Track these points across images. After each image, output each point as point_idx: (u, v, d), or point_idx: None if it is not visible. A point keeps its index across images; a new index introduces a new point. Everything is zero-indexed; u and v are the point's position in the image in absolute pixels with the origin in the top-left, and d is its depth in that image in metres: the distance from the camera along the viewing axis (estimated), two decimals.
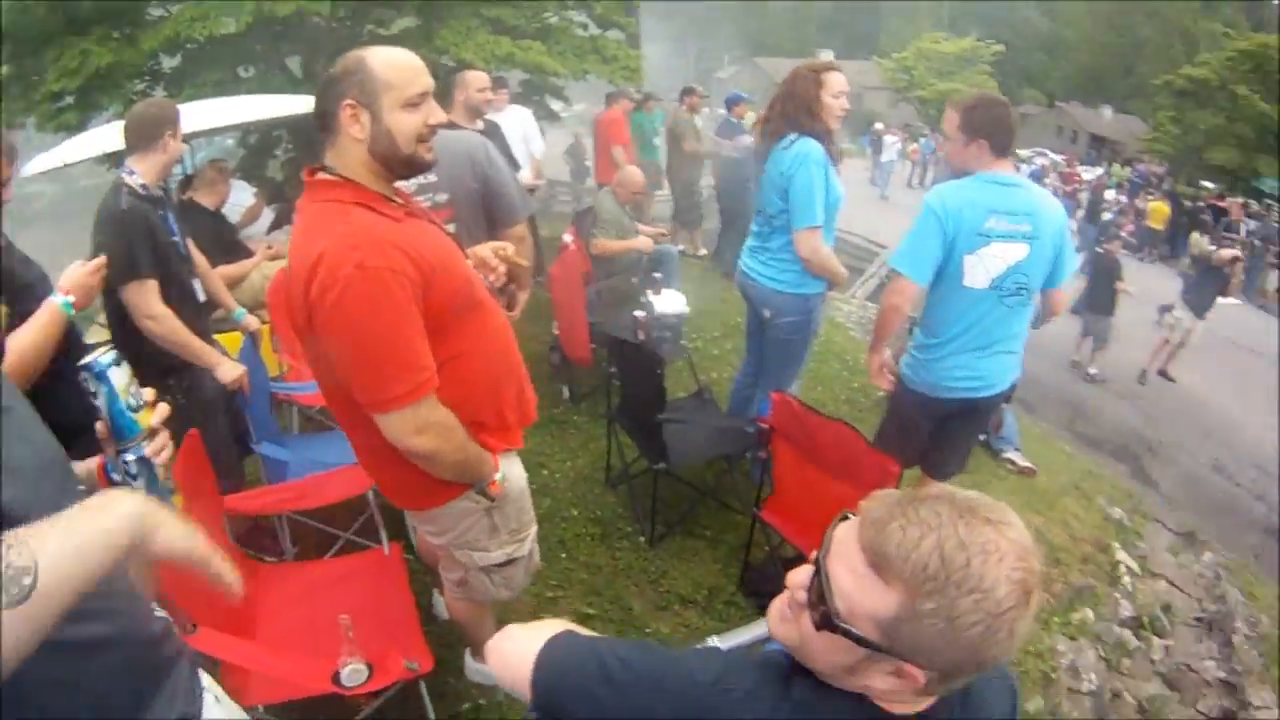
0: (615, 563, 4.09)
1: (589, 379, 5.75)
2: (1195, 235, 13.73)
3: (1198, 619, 6.01)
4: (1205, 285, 10.32)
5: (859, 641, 1.01)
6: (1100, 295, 9.86)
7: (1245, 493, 8.87)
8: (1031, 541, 0.99)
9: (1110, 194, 20.24)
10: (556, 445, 5.14)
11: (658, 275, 5.98)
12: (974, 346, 3.38)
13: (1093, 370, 9.80)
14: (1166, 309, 10.60)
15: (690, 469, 4.49)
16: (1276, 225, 21.85)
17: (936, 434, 3.69)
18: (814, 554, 1.09)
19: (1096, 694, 4.37)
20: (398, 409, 1.91)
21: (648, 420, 3.95)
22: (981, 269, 3.22)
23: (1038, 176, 23.41)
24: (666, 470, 4.01)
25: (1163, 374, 10.89)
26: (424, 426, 1.95)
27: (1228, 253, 10.52)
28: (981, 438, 5.90)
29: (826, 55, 39.45)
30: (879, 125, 28.48)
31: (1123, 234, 13.90)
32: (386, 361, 1.87)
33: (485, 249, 2.50)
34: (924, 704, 1.10)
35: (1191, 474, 8.98)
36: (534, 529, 2.48)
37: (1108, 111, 44.71)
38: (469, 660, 2.96)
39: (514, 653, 1.26)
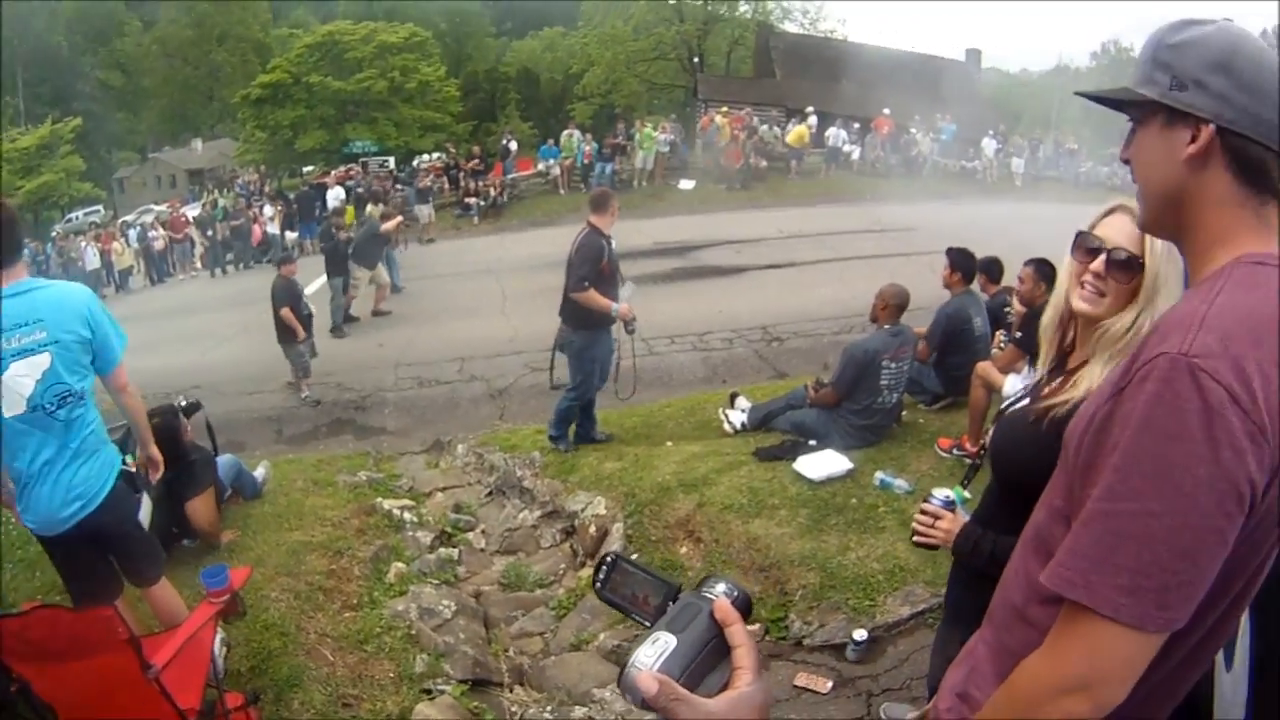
0: None
1: None
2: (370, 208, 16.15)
3: (489, 494, 6.80)
4: (373, 249, 13.29)
5: None
6: (278, 327, 10.07)
7: (458, 384, 10.36)
8: None
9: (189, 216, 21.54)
10: None
11: None
12: (58, 467, 3.23)
13: (305, 394, 10.06)
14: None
15: None
16: (376, 173, 26.98)
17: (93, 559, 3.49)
18: None
19: (460, 609, 4.81)
20: None
21: None
22: (15, 394, 3.04)
23: (144, 235, 22.99)
24: None
25: (378, 313, 13.56)
26: None
27: (391, 223, 13.91)
28: None
29: None
30: None
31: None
32: None
33: None
34: None
35: (403, 402, 10.14)
36: None
37: (198, 144, 46.22)
38: None
39: None
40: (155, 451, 3.70)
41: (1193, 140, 1.23)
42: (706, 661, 0.90)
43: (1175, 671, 1.27)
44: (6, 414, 3.04)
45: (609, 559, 1.04)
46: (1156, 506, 1.08)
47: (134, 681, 2.71)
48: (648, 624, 0.96)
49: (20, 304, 3.05)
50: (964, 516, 2.27)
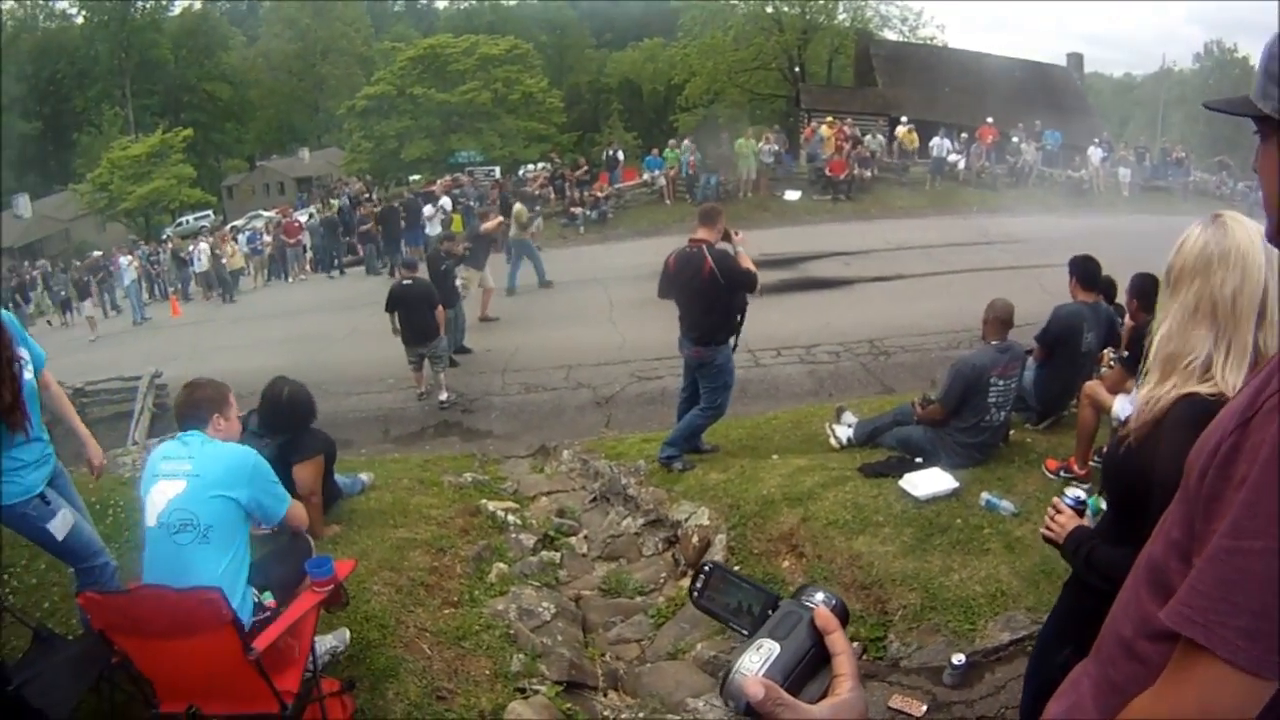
0: None
1: None
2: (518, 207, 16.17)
3: (593, 500, 6.86)
4: (478, 251, 13.01)
5: None
6: (421, 327, 9.99)
7: (564, 390, 10.47)
8: None
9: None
10: None
11: None
12: None
13: (443, 396, 10.25)
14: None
15: None
16: (486, 182, 27.08)
17: None
18: None
19: (560, 612, 4.82)
20: None
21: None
22: (153, 507, 3.31)
23: (255, 238, 24.17)
24: None
25: (485, 319, 13.50)
26: None
27: (491, 223, 13.85)
28: None
29: (23, 200, 37.75)
30: (97, 252, 26.77)
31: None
32: None
33: None
34: None
35: (510, 407, 10.31)
36: None
37: (305, 153, 48.30)
38: None
39: None
40: None
41: None
42: (807, 669, 0.92)
43: None
44: (147, 523, 3.31)
45: (707, 567, 1.05)
46: None
47: (234, 662, 2.80)
48: (744, 633, 0.98)
49: (188, 444, 3.40)
50: (1089, 522, 2.29)
